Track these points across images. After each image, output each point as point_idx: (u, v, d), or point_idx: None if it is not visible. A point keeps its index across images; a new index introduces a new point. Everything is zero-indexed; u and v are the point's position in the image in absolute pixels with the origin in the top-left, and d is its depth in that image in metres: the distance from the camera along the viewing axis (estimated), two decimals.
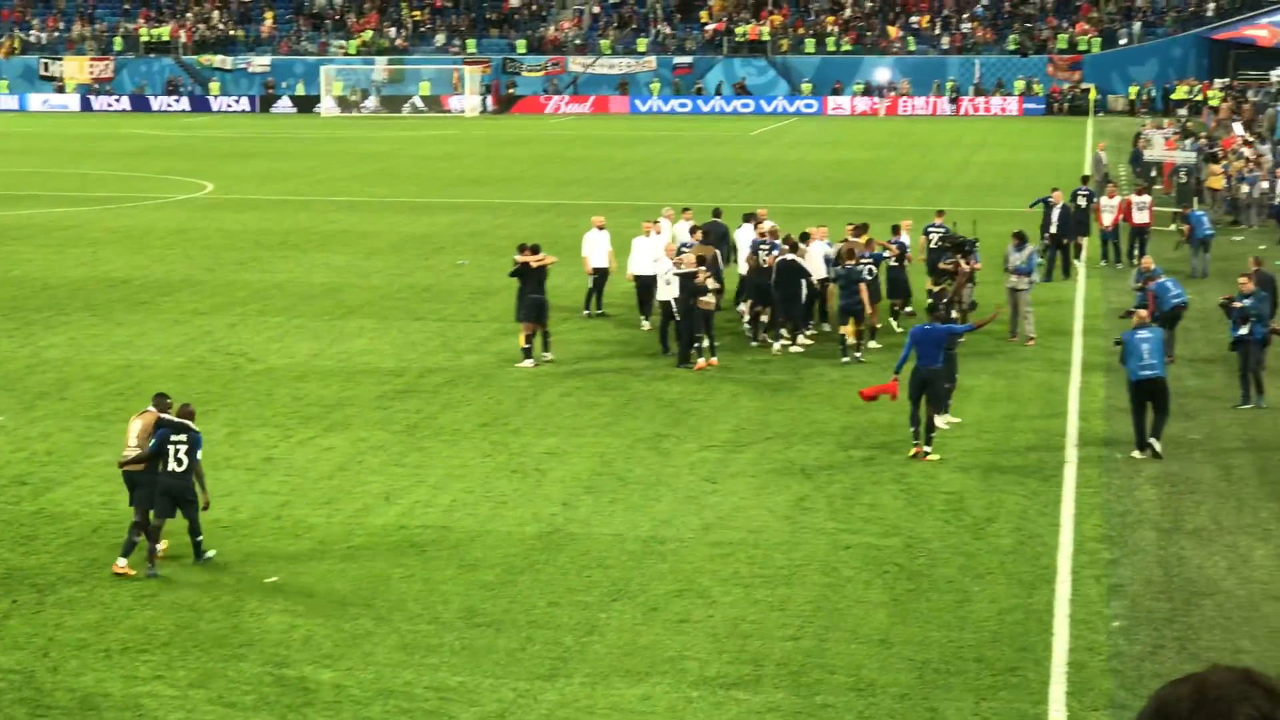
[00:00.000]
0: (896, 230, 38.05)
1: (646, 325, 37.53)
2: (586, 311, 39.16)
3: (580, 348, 35.93)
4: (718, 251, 36.78)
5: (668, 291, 34.42)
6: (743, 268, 37.21)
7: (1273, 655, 18.49)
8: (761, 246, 35.87)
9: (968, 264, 35.57)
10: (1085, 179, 51.00)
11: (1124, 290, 39.76)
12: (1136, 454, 26.99)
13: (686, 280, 33.69)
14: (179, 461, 21.46)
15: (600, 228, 39.21)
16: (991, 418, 29.52)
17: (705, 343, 34.02)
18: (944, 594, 20.54)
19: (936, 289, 33.86)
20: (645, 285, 37.52)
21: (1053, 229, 43.80)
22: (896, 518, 23.71)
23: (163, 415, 21.98)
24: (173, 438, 21.52)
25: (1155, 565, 21.71)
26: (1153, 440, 26.96)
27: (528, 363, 33.84)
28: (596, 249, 38.89)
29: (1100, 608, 20.03)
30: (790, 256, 35.19)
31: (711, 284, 34.12)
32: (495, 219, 57.01)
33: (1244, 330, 30.51)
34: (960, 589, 20.73)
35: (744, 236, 37.78)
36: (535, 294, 33.74)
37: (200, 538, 21.89)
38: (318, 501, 24.56)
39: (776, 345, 35.39)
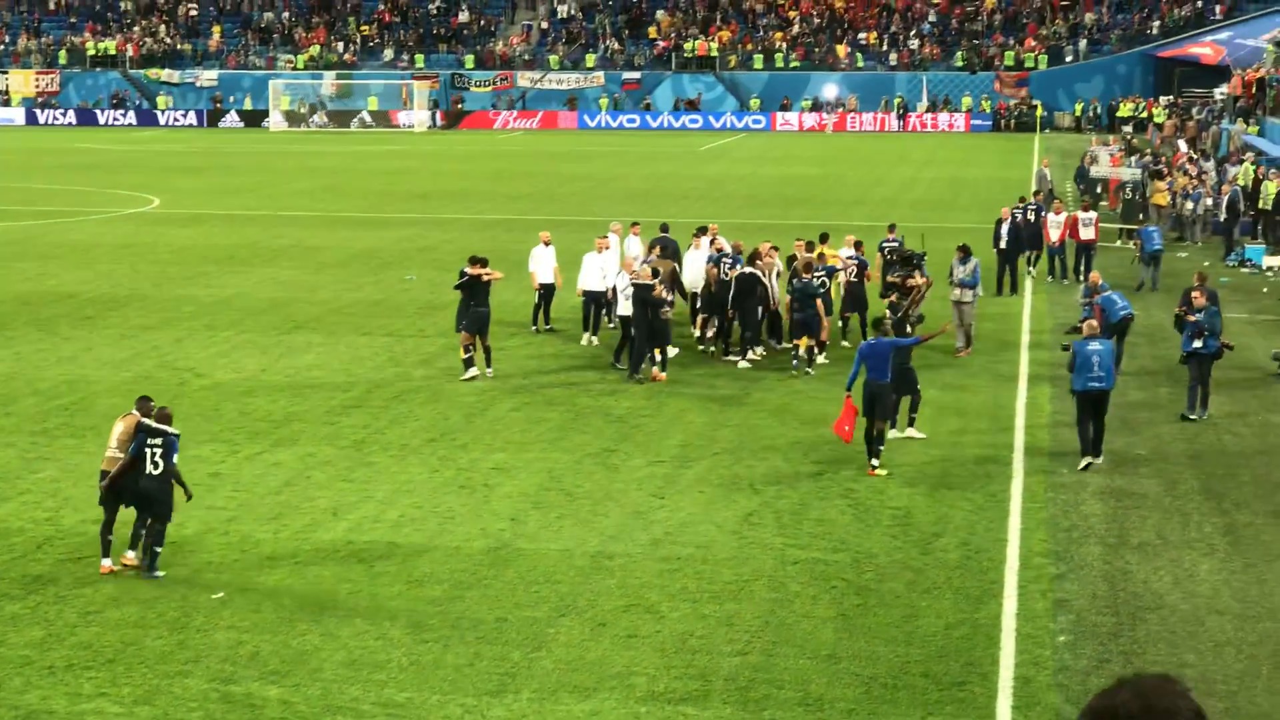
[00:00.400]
0: (858, 245, 38.26)
1: (595, 341, 37.47)
2: (534, 327, 39.15)
3: (528, 363, 35.90)
4: (675, 265, 36.91)
5: (627, 306, 34.60)
6: (690, 281, 37.31)
7: (1217, 668, 18.57)
8: (723, 260, 36.07)
9: (915, 278, 35.78)
10: (1023, 198, 51.32)
11: (1071, 305, 40.04)
12: (1084, 461, 27.33)
13: (644, 292, 33.75)
14: (155, 465, 21.63)
15: (547, 243, 39.22)
16: (939, 432, 29.59)
17: (659, 356, 34.18)
18: (891, 609, 20.57)
19: (886, 303, 34.06)
20: (594, 301, 37.62)
21: (1002, 244, 44.05)
22: (844, 533, 23.73)
23: (142, 420, 22.03)
24: (149, 441, 21.66)
25: (1101, 580, 21.80)
26: (1096, 459, 27.31)
27: (472, 371, 33.91)
28: (543, 264, 38.90)
29: (1046, 622, 20.10)
30: (749, 270, 35.41)
31: (667, 296, 34.24)
32: (443, 234, 56.93)
33: (1197, 344, 30.78)
34: (907, 604, 20.76)
35: (698, 251, 37.82)
36: (481, 306, 33.83)
37: (159, 549, 21.89)
38: (265, 517, 24.45)
39: (742, 361, 35.58)
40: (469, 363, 34.01)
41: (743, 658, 18.91)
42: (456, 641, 19.42)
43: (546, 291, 38.97)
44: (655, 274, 34.32)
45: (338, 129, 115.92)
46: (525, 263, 39.98)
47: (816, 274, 34.86)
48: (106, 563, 22.03)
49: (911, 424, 29.36)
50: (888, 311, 30.09)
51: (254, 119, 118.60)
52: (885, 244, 39.05)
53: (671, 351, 35.02)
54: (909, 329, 30.29)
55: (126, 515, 22.27)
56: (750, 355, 35.76)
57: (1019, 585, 21.47)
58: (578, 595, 21.06)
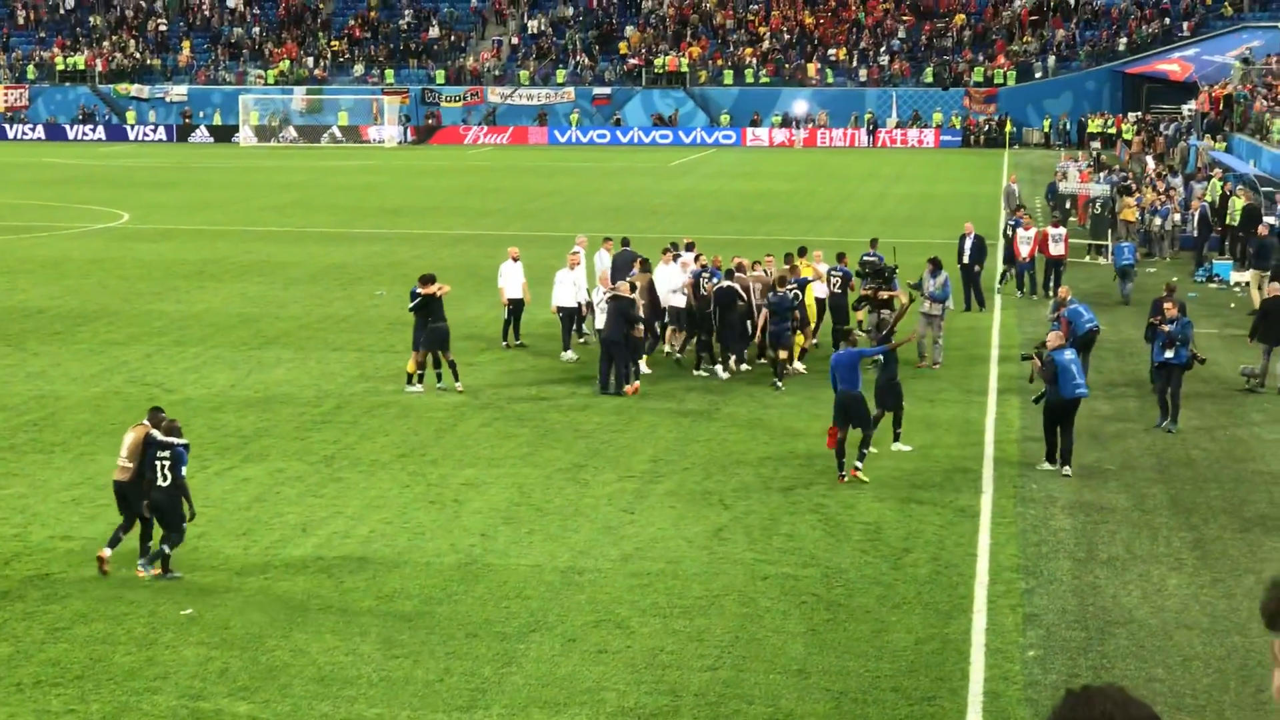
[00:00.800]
0: (841, 258, 38.74)
1: (571, 355, 37.47)
2: (505, 343, 39.13)
3: (498, 378, 35.89)
4: (653, 279, 37.06)
5: (604, 319, 34.94)
6: (669, 297, 37.40)
7: (1185, 683, 18.62)
8: (703, 275, 36.29)
9: (892, 291, 36.44)
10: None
11: (1040, 321, 40.14)
12: (1048, 465, 27.90)
13: (623, 305, 33.90)
14: (164, 477, 21.99)
15: (516, 259, 39.20)
16: (909, 449, 29.63)
17: (633, 369, 34.50)
18: (861, 624, 20.58)
19: (875, 318, 34.72)
20: (569, 317, 37.74)
21: (965, 259, 44.22)
22: (814, 548, 23.75)
23: (150, 432, 22.33)
24: (158, 454, 22.03)
25: (1070, 595, 21.84)
26: (1066, 468, 27.76)
27: (417, 387, 34.08)
28: (511, 280, 38.88)
29: (1016, 637, 20.13)
30: (728, 283, 35.64)
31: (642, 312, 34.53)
32: (413, 249, 56.89)
33: (1169, 354, 31.05)
34: (878, 619, 20.78)
35: (668, 267, 37.96)
36: (439, 322, 34.02)
37: (169, 550, 22.23)
38: (234, 533, 24.39)
39: (722, 373, 35.84)
40: (420, 378, 34.30)
41: (713, 673, 18.90)
42: (427, 657, 19.39)
43: (515, 307, 38.97)
44: (634, 288, 34.54)
45: (308, 144, 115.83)
46: (495, 278, 39.94)
47: (790, 287, 35.17)
48: (106, 551, 22.43)
49: (897, 439, 29.50)
50: (859, 328, 30.43)
51: (224, 134, 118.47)
52: (865, 256, 39.41)
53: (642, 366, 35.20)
54: (892, 342, 30.55)
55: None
56: (730, 367, 35.98)
57: (989, 600, 21.50)
58: (548, 611, 21.04)
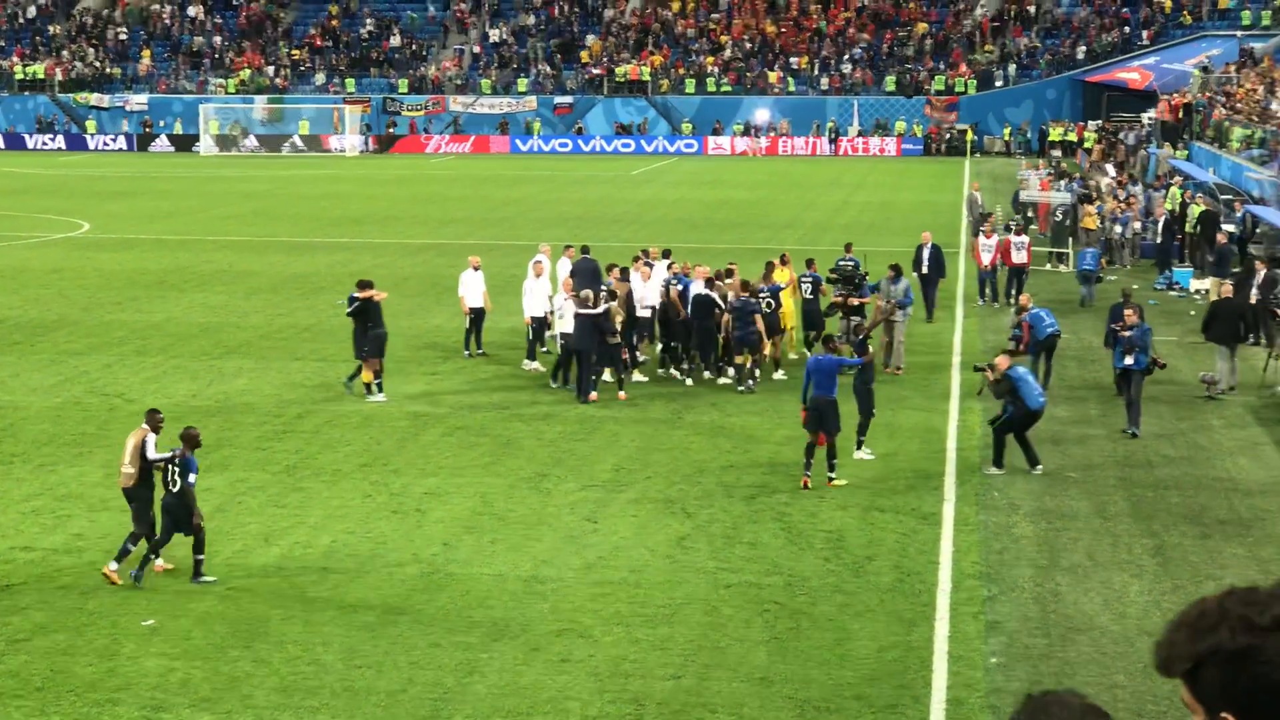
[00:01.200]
0: (811, 264, 39.21)
1: (535, 365, 37.42)
2: (467, 352, 39.08)
3: (461, 388, 35.86)
4: (631, 289, 37.21)
5: (561, 325, 35.03)
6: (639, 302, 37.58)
7: (1147, 689, 18.68)
8: (672, 283, 36.45)
9: (858, 298, 37.15)
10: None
11: (1001, 329, 40.24)
12: (998, 470, 28.35)
13: (601, 320, 34.12)
14: (173, 483, 22.36)
15: (476, 268, 39.15)
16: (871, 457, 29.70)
17: (616, 377, 35.03)
18: (824, 632, 20.62)
19: (851, 324, 35.09)
20: (540, 327, 37.78)
21: (923, 269, 44.25)
22: (777, 556, 23.78)
23: (149, 434, 22.91)
24: (169, 461, 22.51)
25: (1032, 602, 21.91)
26: (1038, 467, 28.47)
27: (380, 396, 34.03)
28: (472, 289, 38.86)
29: (978, 644, 20.19)
30: (705, 291, 35.81)
31: (622, 316, 35.04)
32: (375, 259, 56.79)
33: (1129, 360, 31.37)
34: (840, 627, 20.82)
35: (658, 274, 38.31)
36: (379, 328, 34.30)
37: (201, 556, 22.63)
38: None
39: (689, 381, 36.14)
40: (380, 386, 34.27)
41: (676, 682, 18.92)
42: (390, 667, 19.36)
43: (477, 316, 38.94)
44: (611, 297, 34.99)
45: (269, 153, 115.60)
46: (457, 287, 39.86)
47: (761, 294, 35.47)
48: (159, 563, 22.94)
49: (860, 446, 29.66)
50: (841, 333, 30.76)
51: (184, 143, 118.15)
52: (840, 261, 39.58)
53: (606, 375, 35.28)
54: (869, 350, 30.81)
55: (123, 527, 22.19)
56: (703, 375, 36.12)
57: (951, 607, 21.56)
58: (511, 620, 21.03)
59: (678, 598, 21.90)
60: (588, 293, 34.92)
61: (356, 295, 34.50)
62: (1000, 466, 28.42)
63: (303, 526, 25.24)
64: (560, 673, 19.20)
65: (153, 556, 22.64)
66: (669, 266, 38.58)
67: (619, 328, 34.89)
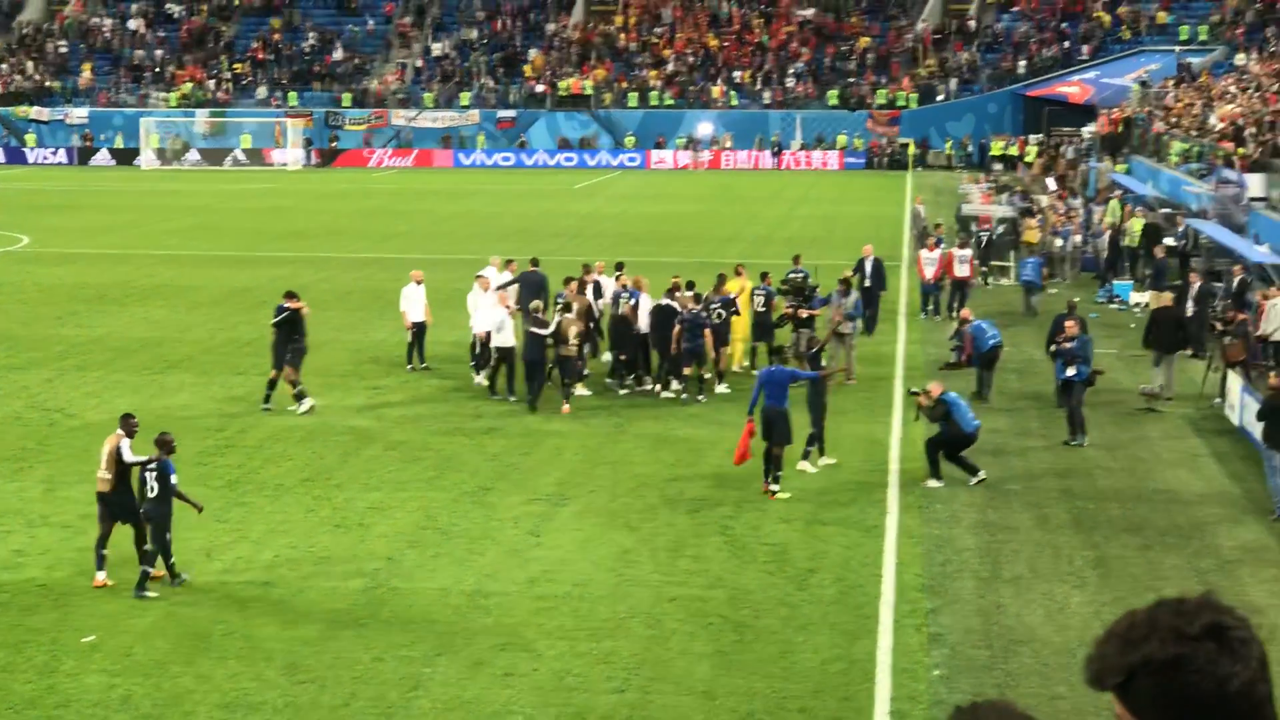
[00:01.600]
0: (764, 277, 39.36)
1: (483, 380, 37.29)
2: (410, 366, 39.01)
3: (404, 402, 35.78)
4: (591, 302, 37.37)
5: (500, 338, 35.27)
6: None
7: (1088, 700, 18.74)
8: (622, 295, 36.59)
9: (808, 310, 37.60)
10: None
11: (944, 343, 40.37)
12: (937, 483, 28.47)
13: (552, 337, 34.53)
14: (152, 489, 22.60)
15: (419, 282, 39.10)
16: (814, 469, 29.76)
17: (566, 390, 35.25)
18: (768, 645, 20.65)
19: (806, 336, 35.33)
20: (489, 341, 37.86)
21: (865, 282, 44.18)
22: (720, 569, 23.81)
23: (123, 439, 23.19)
24: (147, 466, 22.74)
25: (975, 614, 21.99)
26: (981, 474, 28.69)
27: (309, 401, 34.03)
28: (414, 303, 38.83)
29: (921, 656, 20.25)
30: (665, 301, 36.00)
31: (577, 327, 35.21)
32: (318, 273, 56.62)
33: (1070, 371, 31.62)
34: (784, 640, 20.85)
35: (606, 286, 38.80)
36: (302, 341, 34.38)
37: (172, 560, 22.89)
38: (137, 558, 24.16)
39: (664, 392, 36.30)
40: (302, 395, 34.27)
41: (620, 695, 18.91)
42: (333, 682, 19.30)
43: (419, 330, 38.89)
44: (567, 309, 35.35)
45: (211, 167, 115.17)
46: (400, 301, 39.72)
47: (713, 305, 35.67)
48: (100, 576, 22.94)
49: (806, 456, 29.80)
50: (792, 343, 30.95)
51: (125, 157, 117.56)
52: (790, 274, 39.86)
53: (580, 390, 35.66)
54: (823, 362, 31.05)
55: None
56: (674, 385, 36.23)
57: (894, 620, 21.62)
58: (454, 634, 21.00)
59: (621, 611, 21.90)
60: (538, 303, 35.18)
61: (286, 305, 34.52)
62: (939, 479, 28.56)
63: (245, 541, 25.14)
64: (504, 687, 19.17)
65: (150, 569, 22.71)
66: (618, 279, 38.72)
67: (575, 339, 35.00)
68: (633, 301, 36.63)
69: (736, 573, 23.65)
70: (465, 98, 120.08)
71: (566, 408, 34.74)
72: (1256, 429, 28.70)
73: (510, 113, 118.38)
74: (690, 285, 37.23)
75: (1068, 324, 32.69)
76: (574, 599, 22.41)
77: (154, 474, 22.61)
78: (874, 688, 19.22)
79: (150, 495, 22.61)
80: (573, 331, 34.91)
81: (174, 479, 22.75)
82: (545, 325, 34.60)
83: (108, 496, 23.14)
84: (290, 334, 34.26)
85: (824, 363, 31.34)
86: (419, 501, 27.50)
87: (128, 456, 22.98)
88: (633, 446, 31.67)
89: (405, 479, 29.13)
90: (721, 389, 36.45)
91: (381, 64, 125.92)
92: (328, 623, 21.40)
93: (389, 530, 25.80)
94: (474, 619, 21.60)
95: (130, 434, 23.29)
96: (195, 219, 77.63)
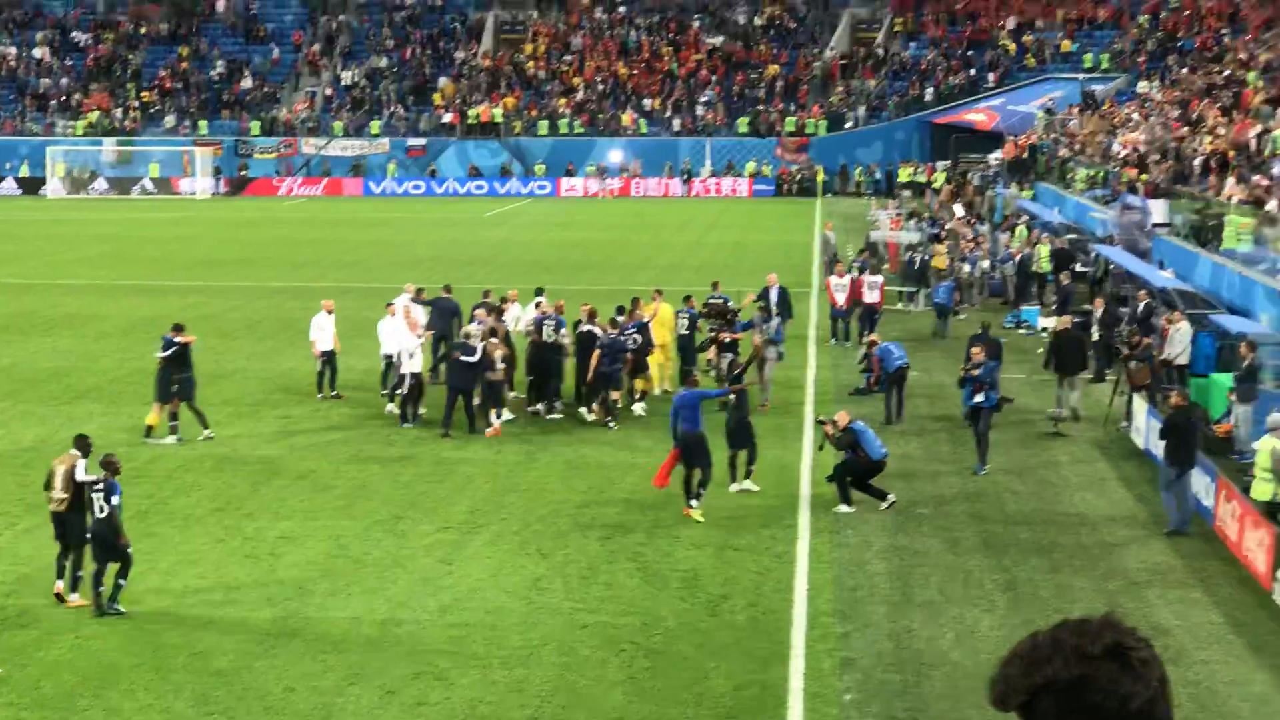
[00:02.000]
0: (688, 300, 39.97)
1: (394, 409, 37.10)
2: (320, 395, 38.82)
3: (315, 429, 35.62)
4: (505, 325, 37.54)
5: (410, 364, 35.37)
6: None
7: None
8: (545, 323, 36.64)
9: (730, 334, 38.11)
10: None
11: (853, 369, 40.56)
12: (848, 509, 28.55)
13: (478, 366, 34.72)
14: (100, 509, 22.61)
15: (329, 311, 38.94)
16: (726, 494, 29.79)
17: (493, 412, 35.37)
18: (681, 671, 20.65)
19: (727, 361, 35.61)
20: (388, 367, 37.87)
21: (774, 311, 44.18)
22: (633, 596, 23.81)
23: (79, 461, 23.34)
24: (93, 486, 22.79)
25: (886, 638, 22.07)
26: (891, 497, 28.82)
27: (170, 439, 34.00)
28: (324, 332, 38.66)
29: (833, 681, 20.30)
30: (588, 328, 36.21)
31: (502, 351, 35.32)
32: (227, 302, 56.32)
33: (979, 398, 31.71)
34: (697, 666, 20.86)
35: (526, 314, 38.95)
36: (189, 372, 34.43)
37: (124, 582, 22.86)
38: (46, 590, 23.92)
39: (588, 415, 36.46)
40: (172, 430, 34.16)
41: None
42: (243, 714, 19.16)
43: (329, 359, 38.73)
44: (492, 334, 35.66)
45: (118, 196, 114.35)
46: (309, 330, 39.51)
47: (628, 331, 35.82)
48: (60, 583, 23.32)
49: (748, 476, 30.01)
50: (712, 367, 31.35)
51: (32, 186, 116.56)
52: (710, 299, 40.22)
53: (507, 415, 35.75)
54: (743, 382, 31.24)
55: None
56: (594, 407, 36.40)
57: (806, 645, 21.68)
58: (366, 664, 20.90)
59: (534, 639, 21.86)
60: (470, 329, 35.42)
61: (174, 339, 34.38)
62: (849, 504, 28.64)
63: (154, 572, 24.93)
64: (417, 716, 19.09)
65: (97, 591, 22.76)
66: (538, 305, 38.76)
67: (502, 364, 35.15)
68: (561, 330, 36.85)
69: (649, 599, 23.65)
70: (375, 126, 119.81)
71: (496, 429, 34.86)
72: (1160, 448, 28.99)
73: (420, 141, 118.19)
74: (621, 310, 37.40)
75: (973, 350, 32.87)
76: (486, 627, 22.36)
77: (100, 494, 22.65)
78: (786, 713, 19.26)
79: (99, 515, 22.65)
80: (498, 356, 35.03)
81: (116, 499, 22.77)
82: (473, 352, 34.62)
83: (63, 516, 23.28)
84: (179, 367, 34.14)
85: (744, 382, 31.49)
86: (330, 530, 27.37)
87: (80, 475, 23.07)
88: (545, 473, 31.64)
89: (316, 508, 28.99)
90: (638, 409, 36.60)
91: (290, 92, 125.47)
92: (238, 653, 21.26)
93: (300, 559, 25.67)
94: (386, 648, 21.51)
95: (85, 453, 23.52)
96: (103, 248, 77.07)
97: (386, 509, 28.87)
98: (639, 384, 37.25)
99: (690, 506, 28.00)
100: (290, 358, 44.13)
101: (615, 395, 35.96)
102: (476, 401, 35.32)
